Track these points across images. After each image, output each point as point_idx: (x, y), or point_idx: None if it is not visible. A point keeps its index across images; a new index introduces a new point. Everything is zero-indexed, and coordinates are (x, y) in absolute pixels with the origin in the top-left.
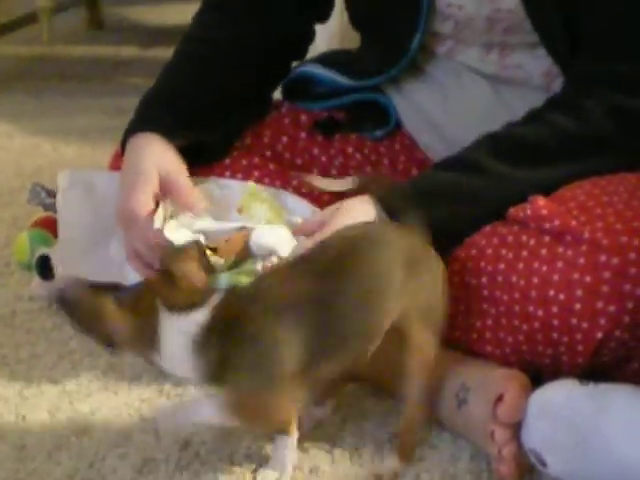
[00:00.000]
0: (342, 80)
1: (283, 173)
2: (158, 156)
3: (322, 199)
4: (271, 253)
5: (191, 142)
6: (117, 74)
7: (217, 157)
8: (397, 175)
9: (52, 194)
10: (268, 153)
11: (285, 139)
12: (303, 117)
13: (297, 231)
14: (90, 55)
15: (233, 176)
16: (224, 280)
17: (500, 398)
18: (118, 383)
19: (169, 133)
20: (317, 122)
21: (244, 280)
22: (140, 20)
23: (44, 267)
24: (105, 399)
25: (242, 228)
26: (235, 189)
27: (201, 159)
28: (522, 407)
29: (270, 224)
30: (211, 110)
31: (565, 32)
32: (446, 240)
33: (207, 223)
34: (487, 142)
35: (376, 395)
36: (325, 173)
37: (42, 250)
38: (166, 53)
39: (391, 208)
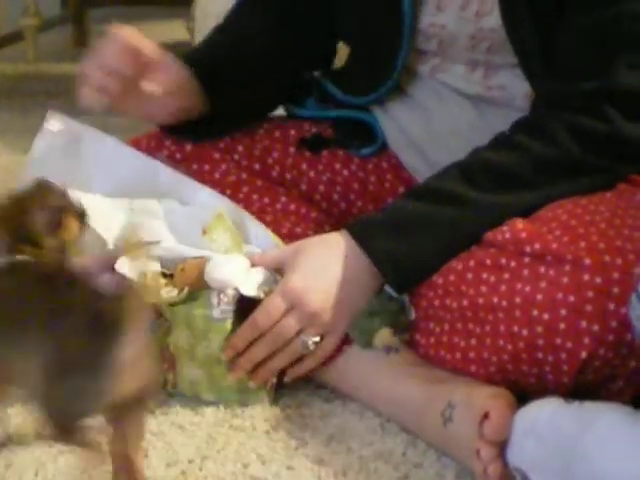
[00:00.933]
0: (336, 92)
1: (271, 189)
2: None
3: (294, 232)
4: (226, 285)
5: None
6: None
7: (226, 126)
8: (384, 193)
9: None
10: (257, 166)
11: (275, 154)
12: (292, 132)
13: (254, 262)
14: (76, 73)
15: (222, 192)
16: (180, 313)
17: (486, 416)
18: None
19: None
20: (304, 139)
21: (198, 312)
22: None
23: None
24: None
25: (199, 257)
26: (203, 206)
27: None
28: (508, 425)
29: (228, 254)
30: (240, 82)
31: (541, 54)
32: (419, 271)
33: (165, 249)
34: (456, 170)
35: (361, 414)
36: (313, 189)
37: None
38: None
39: (362, 241)
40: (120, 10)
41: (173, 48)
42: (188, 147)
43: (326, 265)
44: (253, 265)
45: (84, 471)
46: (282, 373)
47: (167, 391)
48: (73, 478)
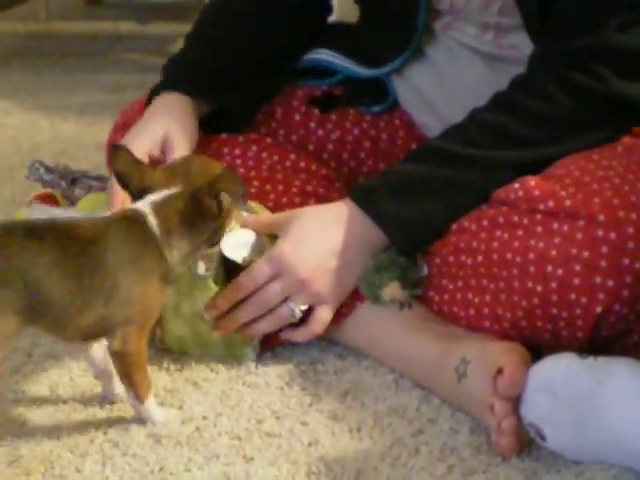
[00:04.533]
0: (358, 70)
1: (280, 147)
2: (172, 119)
3: (305, 189)
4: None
5: (217, 106)
6: (115, 50)
7: (242, 121)
8: (396, 151)
9: (51, 170)
10: (262, 130)
11: (282, 113)
12: (299, 92)
13: (247, 224)
14: (88, 31)
15: (231, 151)
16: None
17: (500, 371)
18: None
19: (196, 94)
20: (314, 98)
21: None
22: None
23: None
24: None
25: None
26: None
27: (227, 123)
28: (522, 380)
29: None
30: (236, 73)
31: (543, 13)
32: (426, 233)
33: None
34: (455, 131)
35: (375, 370)
36: (321, 148)
37: None
38: (164, 29)
39: (367, 206)
40: None
41: (186, 5)
42: None
43: (321, 234)
44: (245, 226)
45: None
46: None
47: (155, 346)
48: (89, 436)
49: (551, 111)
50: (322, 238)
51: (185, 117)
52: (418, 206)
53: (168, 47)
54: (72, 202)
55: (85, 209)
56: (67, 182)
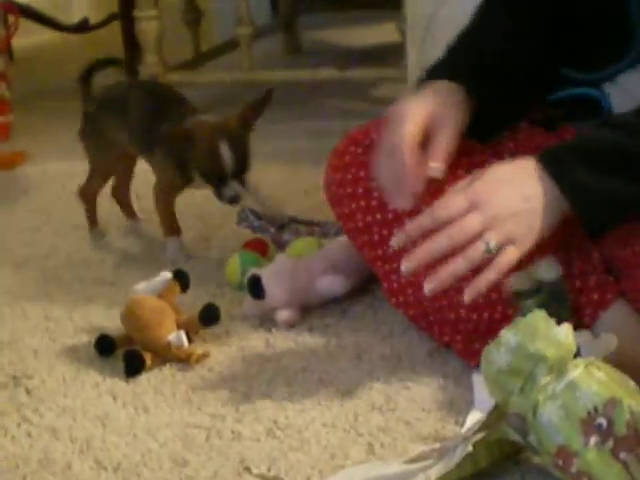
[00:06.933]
0: (574, 74)
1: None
2: (444, 107)
3: None
4: None
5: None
6: (315, 96)
7: (498, 127)
8: None
9: (259, 217)
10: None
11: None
12: None
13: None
14: (289, 79)
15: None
16: None
17: None
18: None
19: (469, 85)
20: (536, 119)
21: None
22: (336, 42)
23: (255, 287)
24: (319, 414)
25: None
26: None
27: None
28: None
29: None
30: (506, 74)
31: None
32: (610, 208)
33: None
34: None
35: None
36: None
37: (253, 271)
38: (364, 74)
39: (551, 168)
40: (329, 16)
41: (386, 49)
42: None
43: (512, 180)
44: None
45: None
46: None
47: None
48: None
49: None
50: (514, 184)
51: (454, 102)
52: (605, 175)
53: (368, 92)
54: (280, 247)
55: (294, 253)
56: (275, 228)
